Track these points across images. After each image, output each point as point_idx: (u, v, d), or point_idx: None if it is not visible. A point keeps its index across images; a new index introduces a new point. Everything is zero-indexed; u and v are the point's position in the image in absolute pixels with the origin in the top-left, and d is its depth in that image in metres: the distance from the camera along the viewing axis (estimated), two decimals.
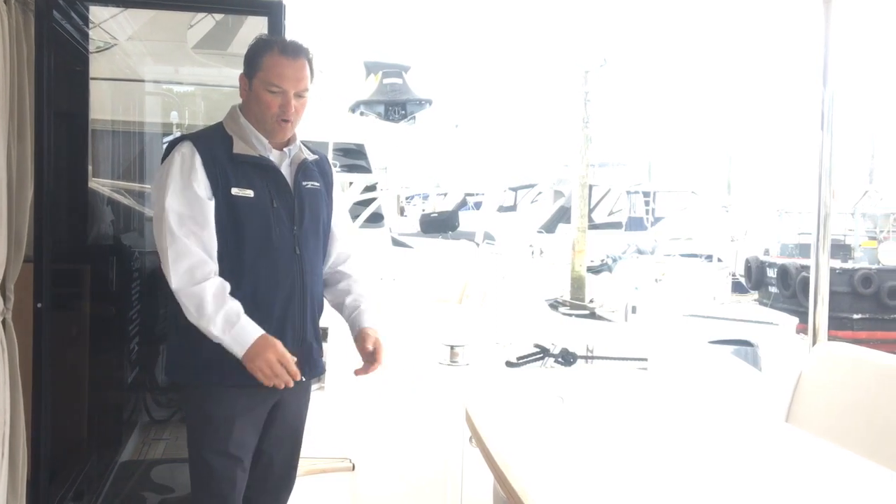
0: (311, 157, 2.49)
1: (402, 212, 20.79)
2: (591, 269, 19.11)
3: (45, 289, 2.70)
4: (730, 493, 1.76)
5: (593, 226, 21.02)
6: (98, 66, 4.03)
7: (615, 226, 24.36)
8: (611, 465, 1.88)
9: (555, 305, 14.19)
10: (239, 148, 2.37)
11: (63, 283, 3.35)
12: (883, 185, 24.58)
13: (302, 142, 2.51)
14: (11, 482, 2.65)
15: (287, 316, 2.38)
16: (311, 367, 2.46)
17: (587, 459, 1.91)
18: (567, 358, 3.56)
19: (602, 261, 21.04)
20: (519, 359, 3.52)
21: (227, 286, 2.28)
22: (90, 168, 3.67)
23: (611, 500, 1.67)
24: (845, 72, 2.83)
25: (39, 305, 2.70)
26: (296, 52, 2.37)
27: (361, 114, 11.54)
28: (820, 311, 2.86)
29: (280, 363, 2.25)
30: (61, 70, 2.86)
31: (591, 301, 15.37)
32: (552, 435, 2.10)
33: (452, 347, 3.33)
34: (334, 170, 2.66)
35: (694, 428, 2.26)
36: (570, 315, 12.13)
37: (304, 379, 2.36)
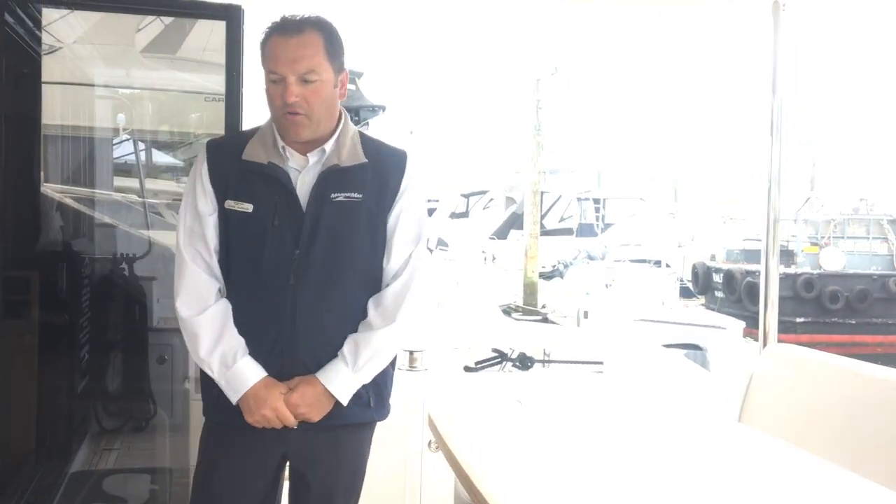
0: (352, 161, 2.03)
1: None
2: (542, 275, 19.30)
3: None
4: (686, 491, 1.80)
5: (545, 232, 21.25)
6: (47, 69, 3.95)
7: (566, 232, 24.66)
8: (574, 467, 1.91)
9: (508, 311, 14.32)
10: (249, 153, 2.03)
11: (11, 290, 3.27)
12: (824, 191, 25.33)
13: (369, 138, 2.11)
14: None
15: (282, 356, 2.02)
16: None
17: (550, 461, 1.94)
18: (524, 362, 3.60)
19: (554, 266, 21.28)
20: (477, 363, 3.54)
21: (229, 316, 2.02)
22: (42, 173, 3.60)
23: (576, 501, 1.69)
24: (791, 80, 2.93)
25: None
26: (296, 27, 1.96)
27: None
28: (770, 314, 2.94)
29: (277, 417, 1.98)
30: (12, 73, 2.80)
31: (544, 306, 15.56)
32: (515, 438, 2.12)
33: (412, 353, 3.33)
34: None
35: (651, 428, 2.30)
36: (522, 320, 12.23)
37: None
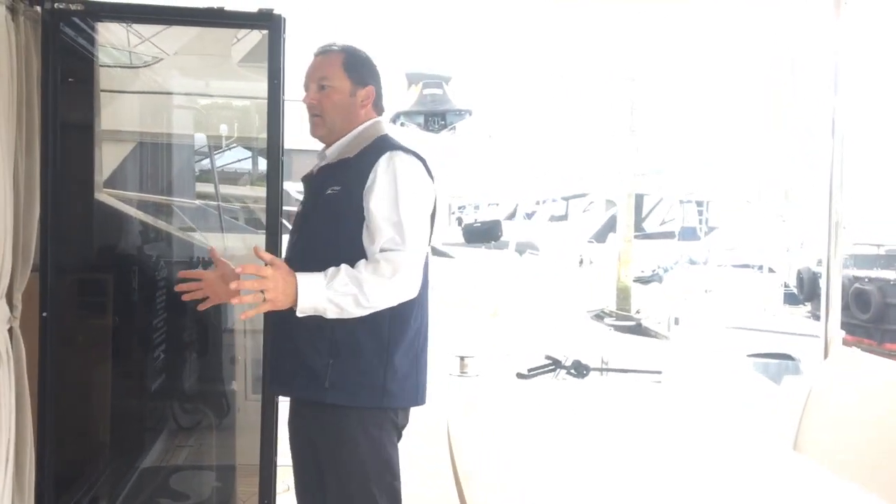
0: (339, 158, 2.32)
1: (459, 222, 20.86)
2: (640, 280, 18.86)
3: (50, 298, 2.75)
4: None
5: (645, 235, 20.72)
6: (148, 80, 4.28)
7: (668, 235, 24.00)
8: (581, 490, 1.82)
9: (600, 316, 14.05)
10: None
11: (79, 293, 3.42)
12: None
13: (382, 139, 2.31)
14: (18, 488, 2.71)
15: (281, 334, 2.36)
16: (280, 382, 2.36)
17: (554, 480, 1.85)
18: (580, 370, 3.50)
19: (653, 271, 20.75)
20: (530, 370, 3.47)
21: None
22: (98, 179, 3.75)
23: None
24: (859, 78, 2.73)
25: (45, 314, 2.75)
26: (323, 49, 2.39)
27: (402, 124, 11.62)
28: (832, 320, 2.76)
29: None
30: (69, 82, 2.92)
31: (638, 312, 15.18)
32: (524, 455, 2.04)
33: (462, 358, 3.30)
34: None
35: (677, 451, 2.17)
36: (614, 326, 11.99)
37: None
